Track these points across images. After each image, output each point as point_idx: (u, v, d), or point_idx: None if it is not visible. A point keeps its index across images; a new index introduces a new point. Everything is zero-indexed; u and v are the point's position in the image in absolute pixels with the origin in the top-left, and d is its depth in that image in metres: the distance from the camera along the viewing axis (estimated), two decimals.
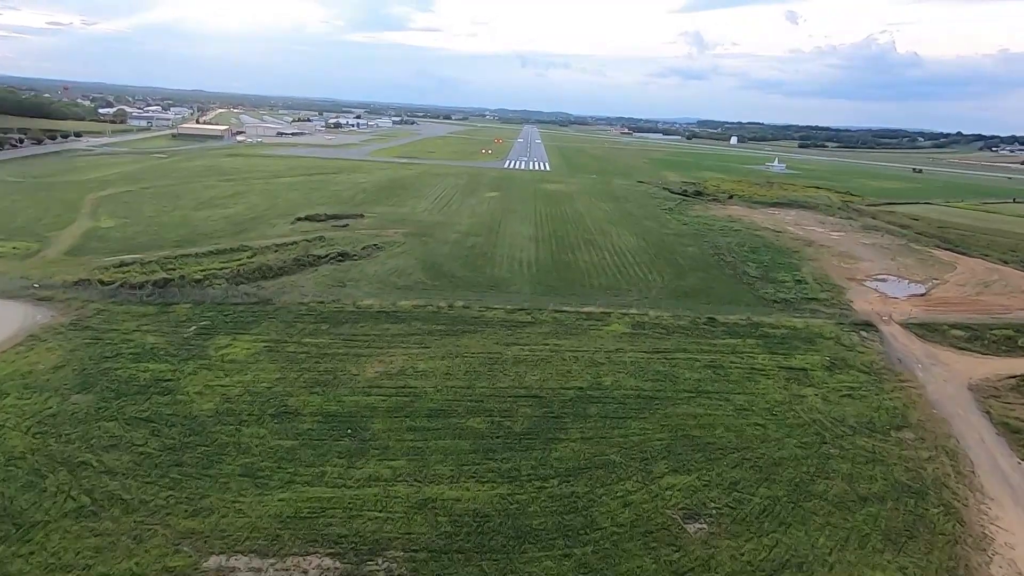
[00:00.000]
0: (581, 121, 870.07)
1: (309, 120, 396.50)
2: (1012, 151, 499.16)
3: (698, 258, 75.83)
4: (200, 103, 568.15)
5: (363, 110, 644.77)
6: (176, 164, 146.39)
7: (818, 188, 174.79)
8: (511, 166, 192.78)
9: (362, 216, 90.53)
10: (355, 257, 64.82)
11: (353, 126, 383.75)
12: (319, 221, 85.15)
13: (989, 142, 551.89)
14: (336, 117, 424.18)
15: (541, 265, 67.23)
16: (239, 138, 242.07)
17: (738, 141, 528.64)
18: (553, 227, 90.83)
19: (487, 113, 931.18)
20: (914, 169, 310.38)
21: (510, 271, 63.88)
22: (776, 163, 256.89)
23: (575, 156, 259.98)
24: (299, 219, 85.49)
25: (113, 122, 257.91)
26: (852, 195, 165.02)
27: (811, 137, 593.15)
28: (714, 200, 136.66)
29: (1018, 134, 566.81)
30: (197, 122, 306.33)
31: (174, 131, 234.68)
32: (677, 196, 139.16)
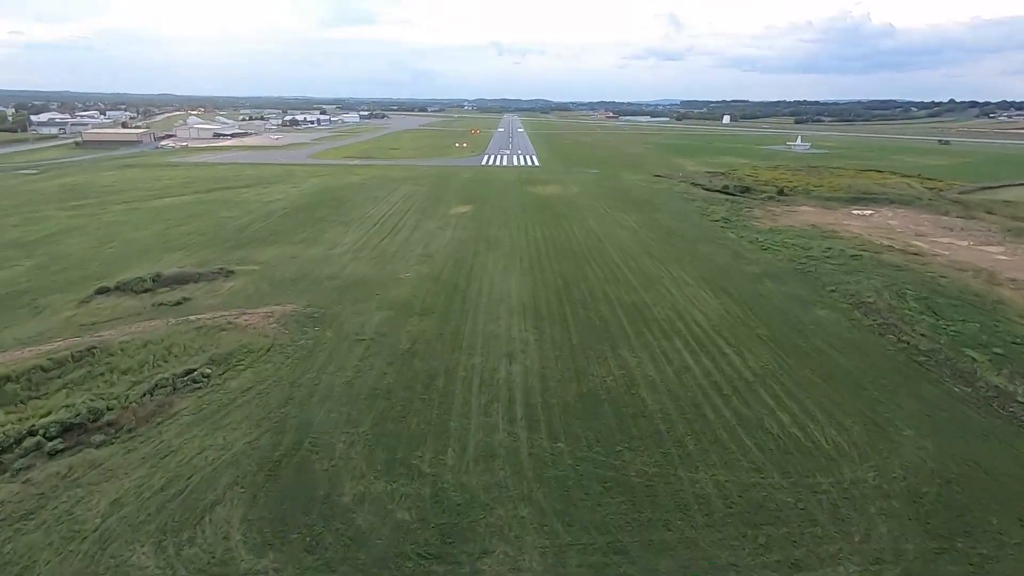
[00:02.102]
0: (562, 108, 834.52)
1: (263, 119, 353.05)
2: (1010, 117, 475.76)
3: (855, 341, 38.45)
4: (148, 107, 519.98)
5: (334, 106, 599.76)
6: (27, 185, 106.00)
7: (879, 172, 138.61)
8: (490, 162, 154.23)
9: (230, 273, 51.99)
10: (100, 438, 26.45)
11: (312, 123, 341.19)
12: (138, 293, 46.48)
13: (984, 108, 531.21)
14: (293, 114, 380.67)
15: (559, 413, 29.21)
16: (163, 143, 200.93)
17: (730, 120, 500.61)
18: (562, 272, 52.95)
19: (465, 104, 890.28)
20: (940, 141, 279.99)
21: (488, 461, 25.66)
22: (799, 142, 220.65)
23: (565, 145, 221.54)
24: (101, 291, 46.77)
25: (12, 131, 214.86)
26: (926, 179, 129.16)
27: (800, 112, 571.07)
28: (770, 199, 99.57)
29: (1009, 99, 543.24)
30: (123, 126, 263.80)
31: (79, 138, 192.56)
32: (718, 195, 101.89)
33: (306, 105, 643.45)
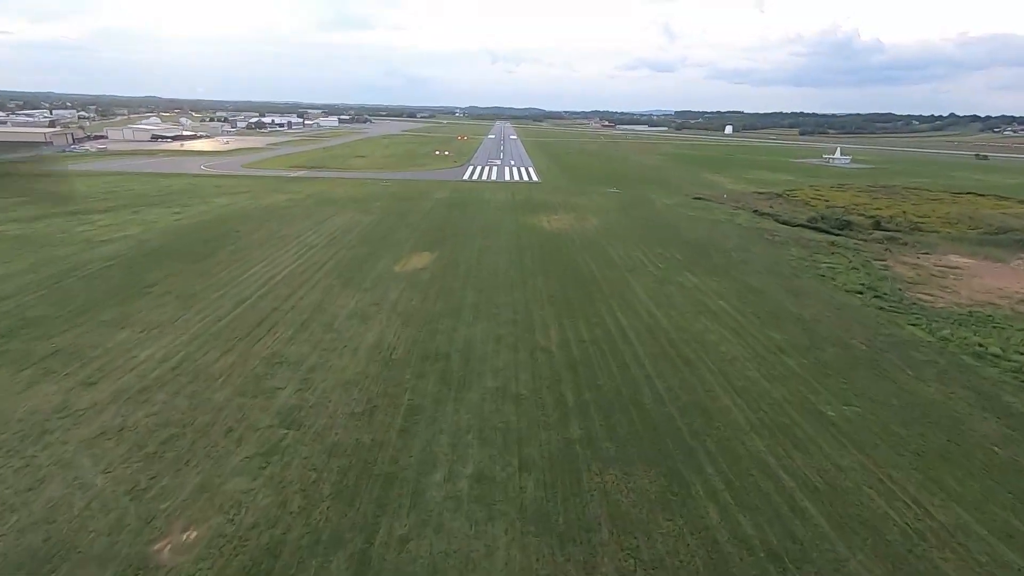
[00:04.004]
0: (554, 116, 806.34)
1: (226, 120, 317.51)
2: (1015, 132, 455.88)
3: None
4: (113, 108, 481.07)
5: (319, 111, 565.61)
6: None
7: (979, 195, 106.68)
8: (475, 176, 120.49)
9: None
10: None
11: (281, 126, 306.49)
12: None
13: (987, 123, 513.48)
14: (260, 117, 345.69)
15: None
16: (84, 145, 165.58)
17: (732, 130, 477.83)
18: (643, 531, 19.22)
19: (457, 111, 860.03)
20: (977, 155, 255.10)
21: None
22: (838, 155, 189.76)
23: (567, 155, 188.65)
24: None
25: None
26: None
27: (800, 124, 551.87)
28: (889, 239, 66.68)
29: (1007, 113, 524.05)
30: (50, 125, 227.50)
31: None
32: (807, 231, 68.70)
33: (295, 109, 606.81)
